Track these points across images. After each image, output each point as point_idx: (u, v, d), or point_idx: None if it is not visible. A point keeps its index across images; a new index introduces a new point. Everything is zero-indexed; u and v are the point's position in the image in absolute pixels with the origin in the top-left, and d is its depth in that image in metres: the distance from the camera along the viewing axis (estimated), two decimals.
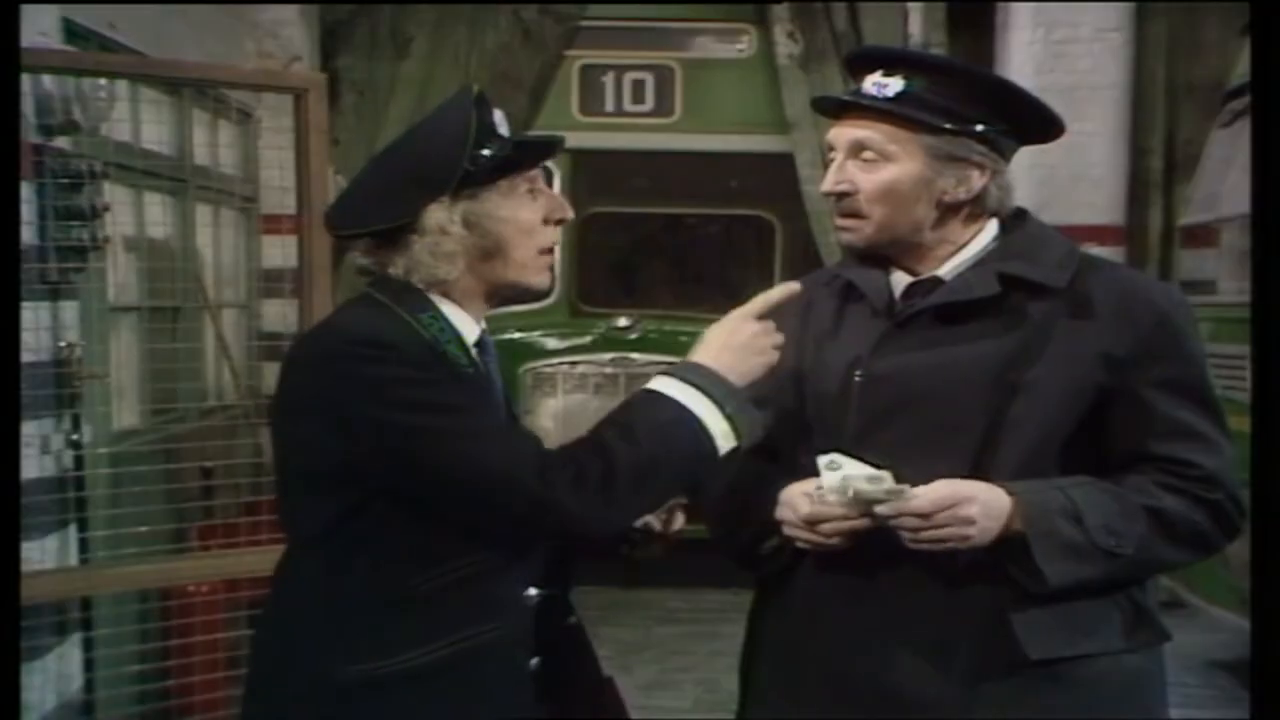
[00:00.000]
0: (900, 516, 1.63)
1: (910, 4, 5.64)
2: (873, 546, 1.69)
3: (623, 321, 5.88)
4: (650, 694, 4.36)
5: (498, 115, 1.69)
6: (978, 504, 1.63)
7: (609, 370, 5.75)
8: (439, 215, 1.64)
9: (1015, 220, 1.82)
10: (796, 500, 1.73)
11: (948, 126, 1.72)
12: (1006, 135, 1.77)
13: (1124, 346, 1.71)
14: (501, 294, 1.72)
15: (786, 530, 1.75)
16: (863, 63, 1.80)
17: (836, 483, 1.66)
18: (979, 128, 1.74)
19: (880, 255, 1.82)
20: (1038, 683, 1.69)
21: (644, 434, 1.59)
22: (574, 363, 5.71)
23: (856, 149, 1.76)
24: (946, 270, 1.79)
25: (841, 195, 1.77)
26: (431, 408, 1.57)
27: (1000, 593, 1.69)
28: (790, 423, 1.84)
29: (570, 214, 1.75)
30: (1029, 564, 1.65)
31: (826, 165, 1.82)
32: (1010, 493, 1.65)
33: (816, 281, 1.92)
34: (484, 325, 1.75)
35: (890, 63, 1.77)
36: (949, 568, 1.68)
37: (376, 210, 1.68)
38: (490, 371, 1.73)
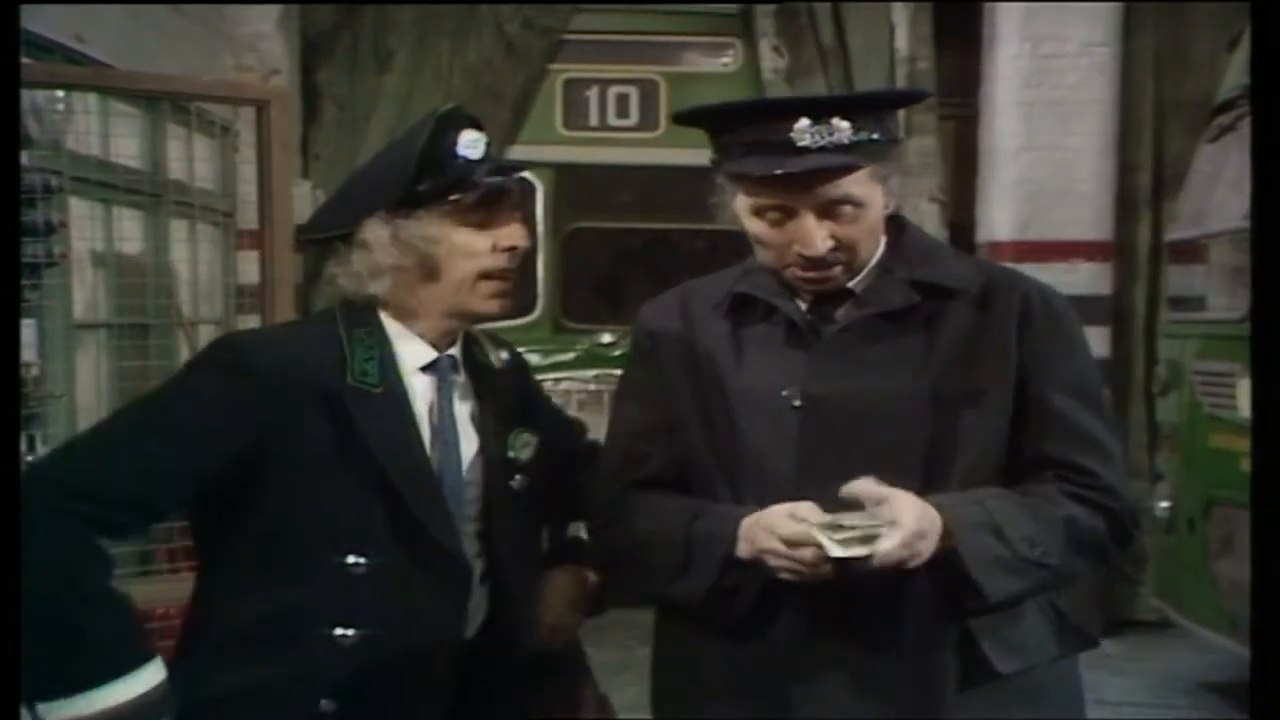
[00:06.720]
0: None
1: (896, 3, 5.58)
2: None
3: (607, 338, 5.82)
4: (631, 715, 4.27)
5: (466, 138, 1.67)
6: (927, 520, 1.56)
7: (593, 387, 5.67)
8: (373, 230, 1.64)
9: (891, 223, 1.75)
10: (778, 523, 1.58)
11: (890, 148, 1.66)
12: None
13: (1028, 348, 1.68)
14: (449, 315, 1.71)
15: (772, 561, 1.59)
16: (777, 112, 1.62)
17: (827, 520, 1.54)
18: (898, 138, 1.70)
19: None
20: (995, 699, 1.66)
21: None
22: (557, 379, 5.64)
23: (832, 208, 1.63)
24: (853, 280, 1.71)
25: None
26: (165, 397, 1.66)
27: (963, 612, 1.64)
28: (698, 458, 1.73)
29: (520, 243, 1.70)
30: (966, 580, 1.59)
31: (774, 222, 1.64)
32: (935, 506, 1.58)
33: (690, 301, 1.81)
34: (453, 350, 1.74)
35: (817, 110, 1.61)
36: (911, 591, 1.62)
37: (326, 220, 1.74)
38: (407, 393, 1.68)
